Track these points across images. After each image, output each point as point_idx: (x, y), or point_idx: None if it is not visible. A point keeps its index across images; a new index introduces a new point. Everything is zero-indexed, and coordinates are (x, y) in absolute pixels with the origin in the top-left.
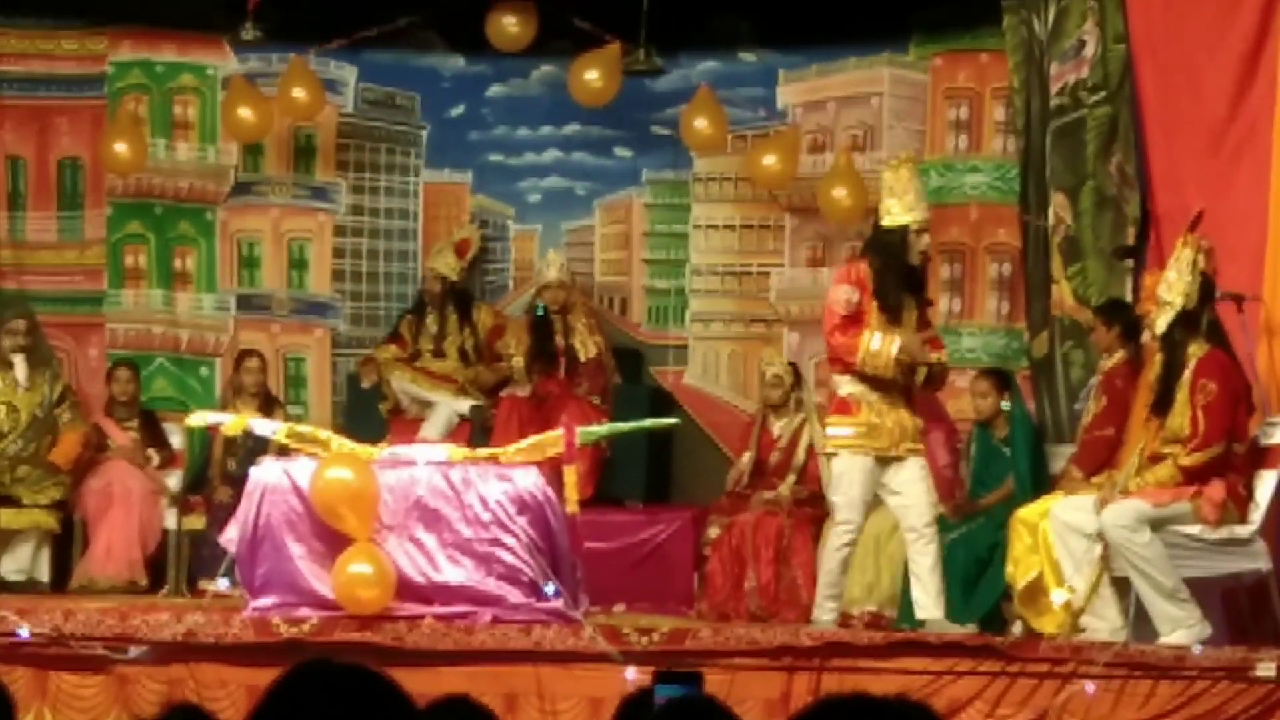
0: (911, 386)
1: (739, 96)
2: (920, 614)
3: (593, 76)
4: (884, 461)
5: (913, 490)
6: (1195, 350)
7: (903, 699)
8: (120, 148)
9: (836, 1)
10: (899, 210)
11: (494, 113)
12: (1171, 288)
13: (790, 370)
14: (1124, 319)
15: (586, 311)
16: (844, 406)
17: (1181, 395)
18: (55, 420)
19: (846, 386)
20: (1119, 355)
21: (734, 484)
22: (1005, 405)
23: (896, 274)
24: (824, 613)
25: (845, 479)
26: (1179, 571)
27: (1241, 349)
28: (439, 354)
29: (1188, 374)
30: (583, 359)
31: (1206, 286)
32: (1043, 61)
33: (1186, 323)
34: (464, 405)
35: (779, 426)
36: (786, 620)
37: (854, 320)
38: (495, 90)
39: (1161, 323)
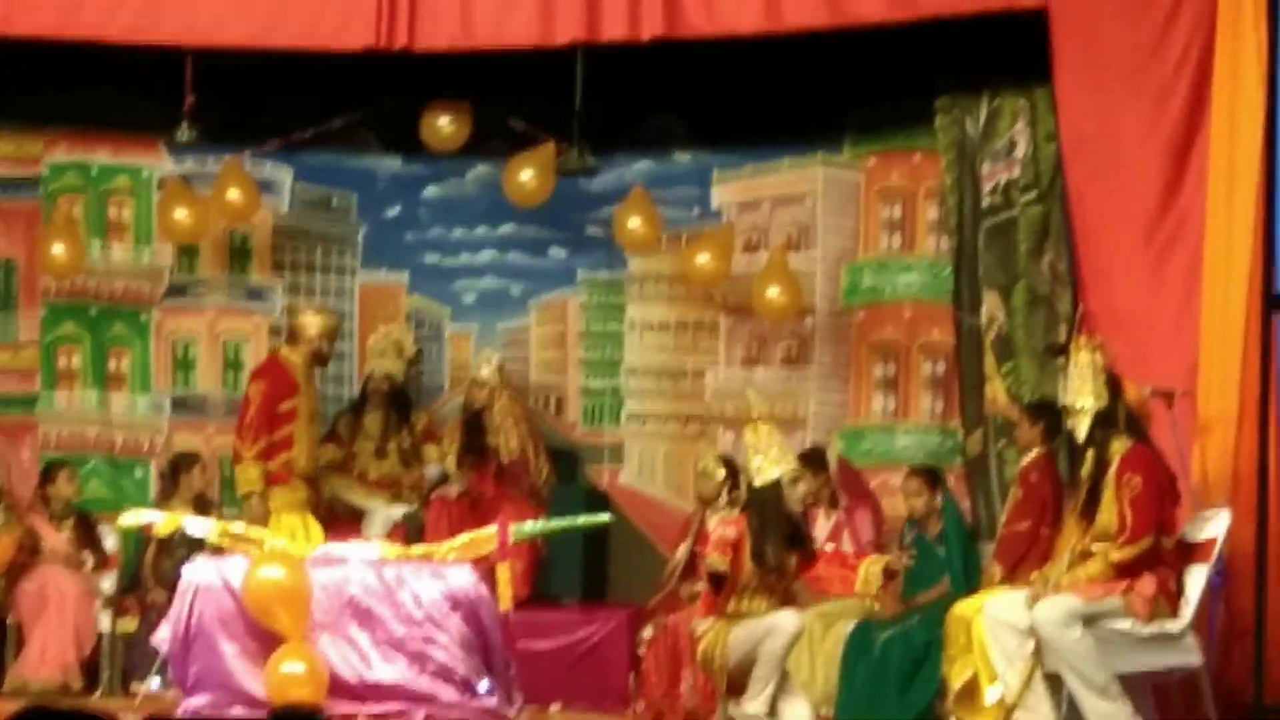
0: None
1: (673, 196)
2: None
3: (527, 177)
4: None
5: None
6: (1118, 447)
7: None
8: (57, 250)
9: (771, 102)
10: (768, 465)
11: (430, 213)
12: (1079, 392)
13: (723, 465)
14: (1048, 418)
15: (514, 412)
16: None
17: (1108, 492)
18: None
19: None
20: (1035, 452)
21: (668, 576)
22: (939, 502)
23: (778, 531)
24: None
25: None
26: (1111, 667)
27: (1171, 445)
28: (382, 454)
29: (1112, 470)
30: (505, 460)
31: (1113, 382)
32: (975, 161)
33: (1105, 422)
34: (398, 512)
35: (714, 522)
36: None
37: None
38: (431, 191)
39: (1081, 428)
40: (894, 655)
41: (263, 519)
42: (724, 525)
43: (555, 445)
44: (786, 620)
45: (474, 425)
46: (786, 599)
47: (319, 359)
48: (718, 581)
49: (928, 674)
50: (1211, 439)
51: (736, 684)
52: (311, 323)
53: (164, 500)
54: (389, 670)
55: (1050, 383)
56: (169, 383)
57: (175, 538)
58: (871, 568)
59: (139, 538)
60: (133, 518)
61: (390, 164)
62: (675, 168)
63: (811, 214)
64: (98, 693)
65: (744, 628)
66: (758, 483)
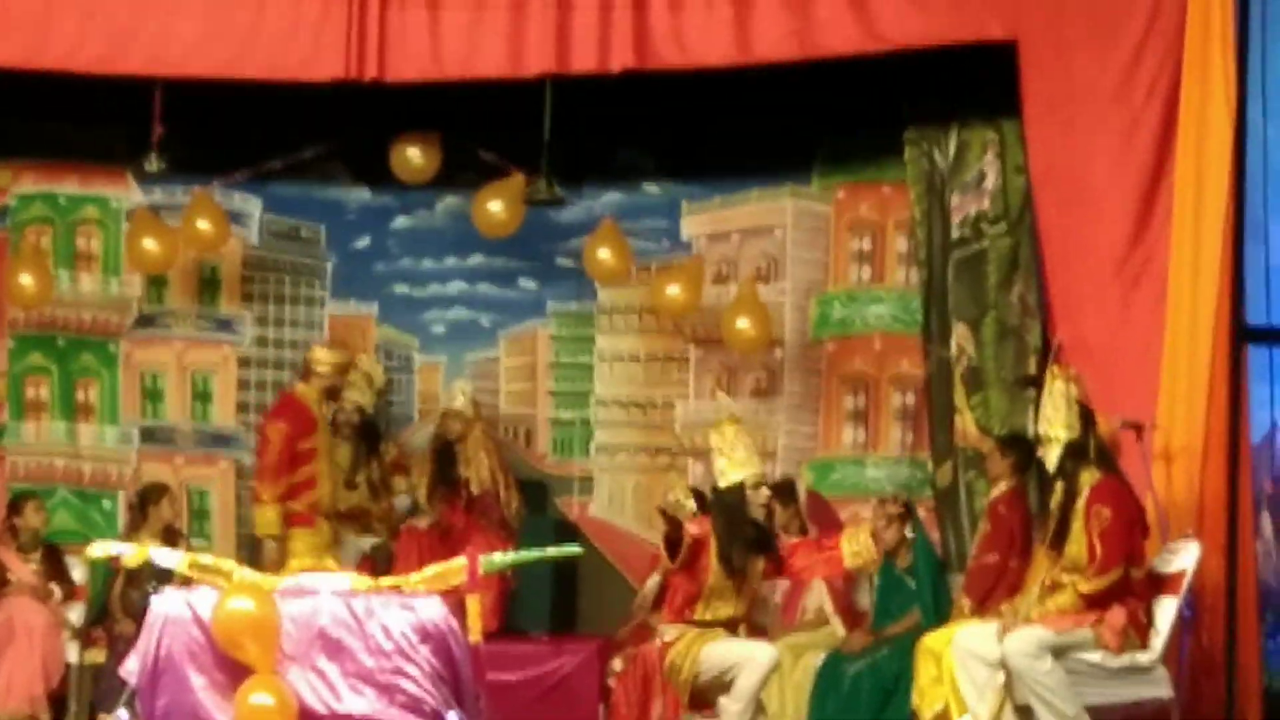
0: None
1: (643, 228)
2: None
3: (496, 208)
4: None
5: None
6: (1088, 478)
7: None
8: (25, 280)
9: (739, 134)
10: (731, 468)
11: (399, 244)
12: (1051, 422)
13: (692, 496)
14: (1019, 452)
15: (485, 444)
16: None
17: (1077, 524)
18: None
19: None
20: (1004, 485)
21: (638, 608)
22: (910, 534)
23: (742, 534)
24: None
25: None
26: (1081, 699)
27: (1142, 477)
28: (351, 485)
29: (1081, 502)
30: (476, 492)
31: (1085, 414)
32: (944, 193)
33: (1075, 453)
34: (367, 543)
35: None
36: None
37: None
38: (400, 222)
39: (1051, 458)
40: (864, 687)
41: (278, 563)
42: (690, 524)
43: (525, 476)
44: (761, 653)
45: (445, 456)
46: (753, 609)
47: (331, 394)
48: (675, 544)
49: (898, 706)
50: (1176, 469)
51: (701, 699)
52: (324, 358)
53: (132, 531)
54: (358, 702)
55: (1020, 415)
56: (137, 413)
57: (143, 569)
58: (859, 537)
59: (107, 569)
60: (101, 549)
61: (359, 195)
62: (644, 199)
63: (781, 246)
64: None
65: (716, 648)
66: (721, 484)
